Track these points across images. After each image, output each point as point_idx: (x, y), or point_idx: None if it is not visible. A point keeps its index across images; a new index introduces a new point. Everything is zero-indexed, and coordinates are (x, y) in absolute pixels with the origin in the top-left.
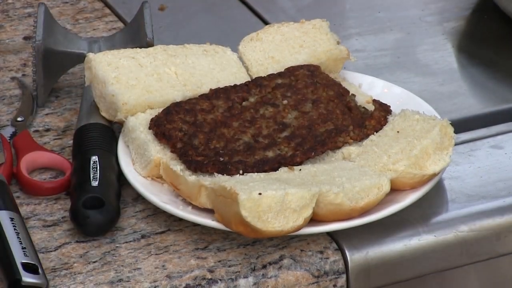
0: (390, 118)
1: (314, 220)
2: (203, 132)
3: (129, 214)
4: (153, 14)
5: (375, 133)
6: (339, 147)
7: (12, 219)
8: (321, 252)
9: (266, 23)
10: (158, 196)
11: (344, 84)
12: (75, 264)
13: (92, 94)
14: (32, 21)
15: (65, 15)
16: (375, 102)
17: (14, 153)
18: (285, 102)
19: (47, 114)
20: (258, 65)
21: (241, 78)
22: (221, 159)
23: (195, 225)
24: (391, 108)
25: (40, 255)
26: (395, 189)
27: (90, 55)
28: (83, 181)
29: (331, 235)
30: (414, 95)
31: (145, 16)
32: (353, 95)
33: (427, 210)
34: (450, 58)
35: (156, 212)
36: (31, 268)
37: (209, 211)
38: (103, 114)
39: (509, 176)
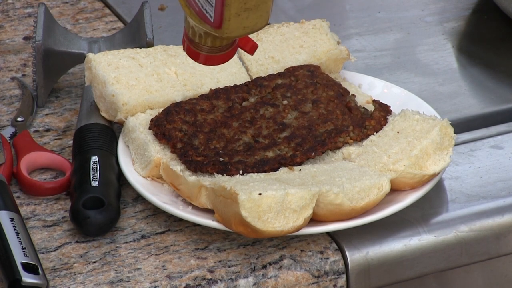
0: (390, 118)
1: (314, 220)
2: (203, 132)
3: (129, 214)
4: (153, 14)
5: (375, 133)
6: (339, 147)
7: (12, 219)
8: (321, 252)
9: None
10: (158, 196)
11: (344, 84)
12: (75, 264)
13: (92, 94)
14: (32, 21)
15: (65, 15)
16: (375, 102)
17: (14, 153)
18: (285, 102)
19: (47, 114)
20: (258, 65)
21: (241, 78)
22: (221, 159)
23: (195, 225)
24: (391, 108)
25: (40, 255)
26: (395, 189)
27: (90, 55)
28: (83, 181)
29: (331, 235)
30: (414, 95)
31: (145, 16)
32: (353, 95)
33: (427, 210)
34: (450, 58)
35: (156, 212)
36: (31, 268)
37: (209, 211)
38: (103, 114)
39: (509, 176)
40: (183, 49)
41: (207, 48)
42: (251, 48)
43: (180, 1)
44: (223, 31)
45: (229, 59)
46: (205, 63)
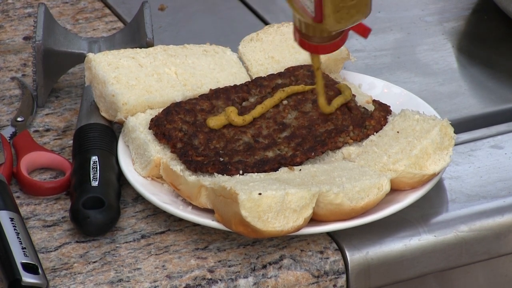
0: (390, 118)
1: (314, 220)
2: (203, 132)
3: (129, 214)
4: (153, 14)
5: (375, 133)
6: (339, 147)
7: (12, 219)
8: (321, 252)
9: (266, 23)
10: (158, 196)
11: None
12: (75, 264)
13: (92, 94)
14: (32, 21)
15: (65, 15)
16: (375, 102)
17: (14, 153)
18: (285, 102)
19: (47, 114)
20: (258, 65)
21: (241, 78)
22: (221, 159)
23: (195, 225)
24: (391, 108)
25: (40, 255)
26: (395, 189)
27: (90, 55)
28: (83, 181)
29: (331, 235)
30: (414, 95)
31: (145, 16)
32: (353, 95)
33: (427, 210)
34: (450, 58)
35: (156, 212)
36: (31, 268)
37: (209, 211)
38: (103, 114)
39: (509, 176)
40: (294, 40)
41: (317, 39)
42: (364, 31)
43: None
44: (325, 25)
45: (340, 47)
46: (316, 52)
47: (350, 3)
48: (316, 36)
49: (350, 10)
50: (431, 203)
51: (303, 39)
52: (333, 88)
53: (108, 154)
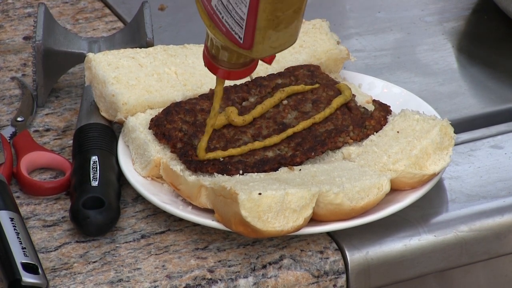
0: (390, 118)
1: (314, 220)
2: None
3: (129, 214)
4: (153, 14)
5: (375, 133)
6: (339, 147)
7: (12, 219)
8: (321, 252)
9: None
10: (158, 196)
11: None
12: (75, 264)
13: (92, 94)
14: (32, 21)
15: (65, 15)
16: (375, 102)
17: (14, 153)
18: (285, 102)
19: (47, 114)
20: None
21: None
22: (221, 159)
23: (195, 225)
24: (391, 108)
25: (40, 255)
26: (395, 189)
27: (90, 55)
28: (83, 181)
29: (331, 235)
30: (414, 95)
31: (145, 16)
32: (353, 95)
33: (427, 210)
34: (450, 58)
35: (156, 212)
36: (31, 268)
37: (209, 211)
38: (103, 114)
39: (509, 176)
40: (204, 65)
41: (229, 64)
42: (270, 59)
43: (204, 21)
44: (252, 52)
45: (251, 74)
46: (227, 78)
47: (283, 30)
48: (230, 62)
49: (281, 36)
50: (431, 203)
51: (214, 63)
52: (333, 88)
53: (108, 154)
